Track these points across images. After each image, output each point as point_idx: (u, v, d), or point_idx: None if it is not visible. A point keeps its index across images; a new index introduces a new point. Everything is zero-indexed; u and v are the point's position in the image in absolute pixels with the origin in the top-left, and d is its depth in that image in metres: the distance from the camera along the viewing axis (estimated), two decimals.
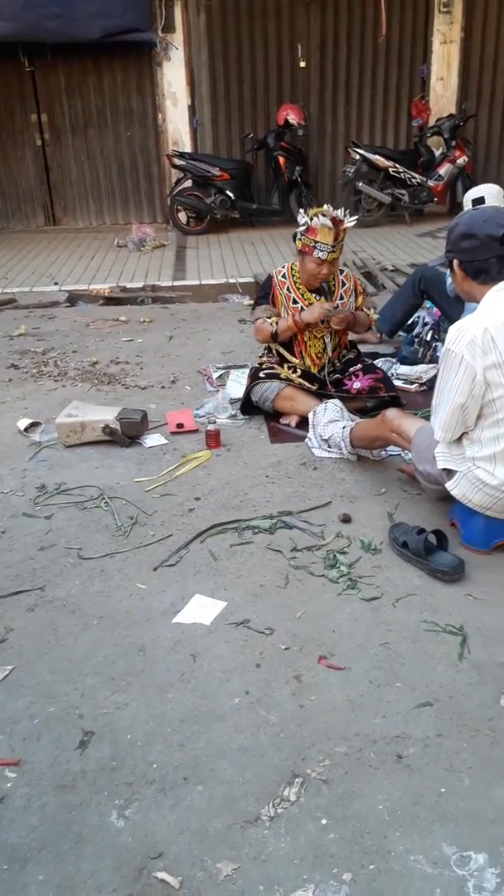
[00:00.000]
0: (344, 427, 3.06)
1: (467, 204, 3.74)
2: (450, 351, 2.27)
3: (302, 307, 3.44)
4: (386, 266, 6.68)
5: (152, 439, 3.35)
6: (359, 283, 3.61)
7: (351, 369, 3.50)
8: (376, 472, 3.03)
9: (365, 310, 3.58)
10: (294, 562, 2.46)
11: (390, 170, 8.30)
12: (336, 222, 3.28)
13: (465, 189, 8.49)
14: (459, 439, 2.41)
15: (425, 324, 4.19)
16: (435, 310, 4.36)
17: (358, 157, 8.24)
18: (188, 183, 8.48)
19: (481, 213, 2.34)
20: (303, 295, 3.48)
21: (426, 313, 4.38)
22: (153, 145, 9.05)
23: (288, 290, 3.49)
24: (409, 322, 4.38)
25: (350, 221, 3.34)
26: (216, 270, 6.99)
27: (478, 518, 2.47)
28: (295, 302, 3.48)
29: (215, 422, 3.32)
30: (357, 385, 3.42)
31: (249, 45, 8.75)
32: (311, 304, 3.44)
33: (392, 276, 6.37)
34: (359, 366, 3.51)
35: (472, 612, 2.21)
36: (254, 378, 3.50)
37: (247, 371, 3.96)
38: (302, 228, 3.32)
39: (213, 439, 3.25)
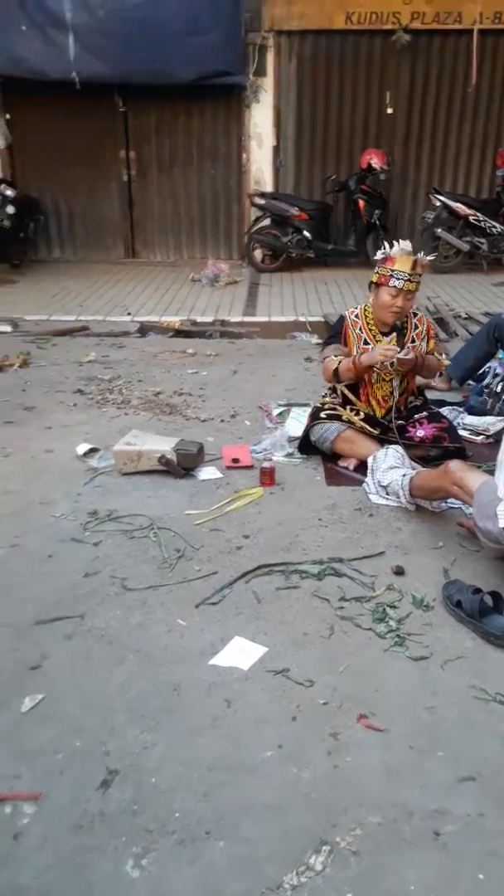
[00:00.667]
0: (404, 475, 2.97)
1: None
2: None
3: (371, 346, 3.39)
4: (459, 313, 6.58)
5: (207, 472, 3.33)
6: (431, 327, 3.55)
7: (416, 416, 3.42)
8: (434, 524, 2.92)
9: (436, 355, 3.50)
10: (341, 612, 2.37)
11: (470, 217, 8.23)
12: (415, 254, 3.27)
13: None
14: None
15: (496, 374, 4.07)
16: None
17: (438, 203, 8.20)
18: (266, 221, 8.60)
19: None
20: (374, 336, 3.42)
21: (498, 364, 4.25)
22: (235, 184, 9.23)
23: (360, 330, 3.45)
24: (480, 372, 4.27)
25: (428, 258, 3.33)
26: (286, 308, 7.02)
27: None
28: (366, 343, 3.43)
29: (271, 459, 3.28)
30: (421, 433, 3.33)
31: (338, 89, 8.88)
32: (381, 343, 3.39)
33: (465, 323, 6.26)
34: (424, 413, 3.42)
35: None
36: (314, 417, 3.46)
37: (308, 410, 3.92)
38: (379, 258, 3.30)
39: (268, 477, 3.20)
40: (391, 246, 3.28)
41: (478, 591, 2.34)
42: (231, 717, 1.93)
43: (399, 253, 3.24)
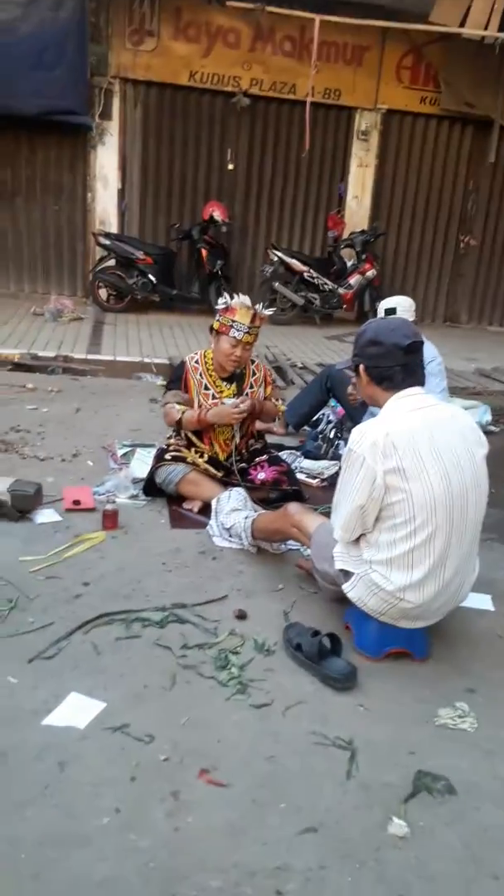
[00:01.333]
0: (246, 517, 2.96)
1: (380, 312, 3.86)
2: (352, 452, 2.23)
3: (211, 403, 3.38)
4: (296, 363, 6.81)
5: (45, 515, 3.13)
6: (269, 374, 3.61)
7: (257, 459, 3.44)
8: (275, 566, 2.92)
9: (273, 400, 3.56)
10: (183, 660, 2.28)
11: (305, 274, 8.63)
12: (253, 308, 3.31)
13: (373, 299, 8.95)
14: (358, 540, 2.35)
15: (329, 421, 4.22)
16: (339, 409, 4.42)
17: (276, 258, 8.53)
18: (111, 262, 8.49)
19: (389, 322, 2.37)
20: (214, 382, 3.42)
21: (331, 411, 4.42)
22: (80, 222, 9.06)
23: (200, 375, 3.43)
24: (315, 418, 4.41)
25: (267, 311, 3.37)
26: (132, 348, 6.92)
27: (372, 623, 2.38)
28: (206, 388, 3.41)
29: (114, 501, 3.15)
30: (262, 476, 3.35)
31: (182, 141, 9.05)
32: (221, 391, 3.39)
33: (301, 372, 6.49)
34: (264, 456, 3.46)
35: (361, 724, 2.09)
36: (159, 459, 3.38)
37: (153, 451, 3.83)
38: (221, 307, 3.31)
39: (111, 520, 3.06)
40: (231, 297, 3.32)
41: (316, 633, 2.35)
42: (64, 783, 1.77)
43: (239, 305, 3.27)
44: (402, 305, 3.92)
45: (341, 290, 8.81)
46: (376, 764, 1.94)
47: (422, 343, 2.32)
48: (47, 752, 1.85)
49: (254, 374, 3.50)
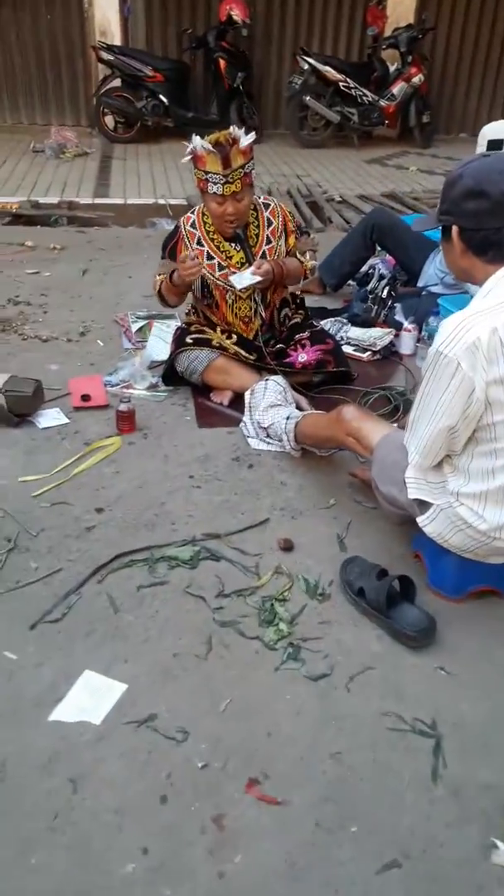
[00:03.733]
0: (288, 418, 2.39)
1: (481, 145, 2.86)
2: (441, 354, 1.60)
3: (220, 275, 2.67)
4: (333, 196, 5.85)
5: (49, 417, 2.59)
6: (289, 219, 2.79)
7: (297, 336, 2.79)
8: (324, 474, 2.39)
9: (298, 256, 2.80)
10: (220, 614, 1.82)
11: (340, 84, 7.32)
12: (224, 143, 2.43)
13: (418, 112, 7.66)
14: (440, 464, 1.79)
15: (381, 276, 3.47)
16: (390, 258, 3.66)
17: (307, 66, 7.20)
18: (117, 82, 7.27)
19: (496, 162, 1.61)
20: (219, 247, 2.68)
21: (381, 262, 3.65)
22: (78, 34, 7.69)
23: (200, 241, 2.69)
24: (363, 272, 3.66)
25: (247, 138, 2.48)
26: (144, 188, 6.01)
27: (451, 557, 1.87)
28: (210, 258, 2.68)
29: (129, 399, 2.59)
30: (303, 357, 2.73)
31: None
32: (230, 257, 2.66)
33: (340, 208, 5.56)
34: (306, 333, 2.80)
35: (445, 696, 1.65)
36: (179, 343, 2.75)
37: (173, 323, 3.20)
38: (187, 158, 2.52)
39: (127, 422, 2.53)
40: (193, 137, 2.49)
41: (383, 573, 1.87)
42: (78, 811, 1.37)
43: (203, 150, 2.45)
44: None
45: (382, 103, 7.52)
46: (467, 756, 1.52)
47: None
48: (56, 763, 1.45)
49: (269, 223, 2.72)
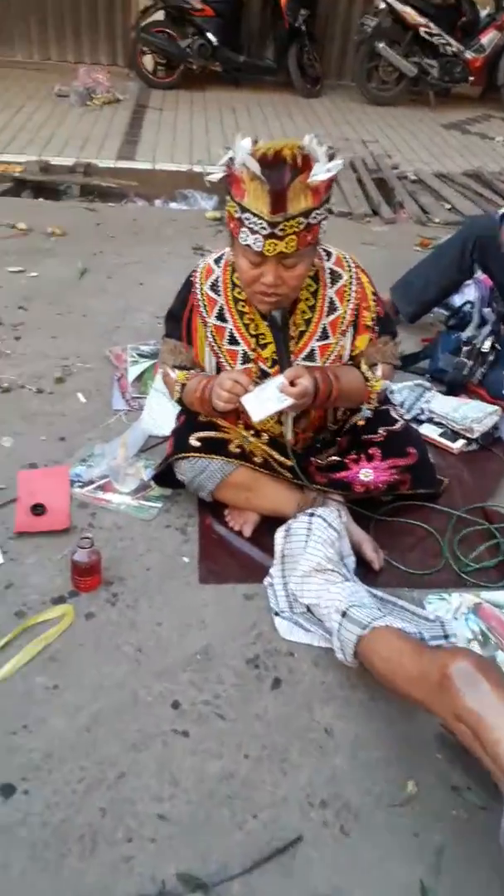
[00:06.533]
0: (345, 614, 1.38)
1: None
2: None
3: (243, 369, 1.62)
4: (406, 172, 4.64)
5: None
6: (368, 307, 1.64)
7: (363, 438, 1.74)
8: (398, 714, 1.39)
9: (364, 366, 1.65)
10: None
11: (422, 30, 5.97)
12: (284, 164, 1.34)
13: None
14: None
15: (482, 322, 2.38)
16: (485, 278, 2.55)
17: (383, 5, 5.86)
18: (160, 15, 6.02)
19: None
20: (247, 326, 1.62)
21: (477, 292, 2.56)
22: None
23: (219, 315, 1.63)
24: (457, 306, 2.57)
25: (326, 167, 1.36)
26: (179, 148, 4.88)
27: None
28: (233, 341, 1.63)
29: (90, 540, 1.57)
30: (367, 476, 1.68)
31: None
32: (265, 344, 1.61)
33: (413, 190, 4.36)
34: (379, 436, 1.73)
35: None
36: (180, 443, 1.71)
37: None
38: (218, 176, 1.44)
39: (86, 576, 1.55)
40: (234, 140, 1.39)
41: None
42: None
43: (248, 176, 1.35)
44: None
45: (468, 55, 6.15)
46: None
47: None
48: None
49: (331, 308, 1.61)
